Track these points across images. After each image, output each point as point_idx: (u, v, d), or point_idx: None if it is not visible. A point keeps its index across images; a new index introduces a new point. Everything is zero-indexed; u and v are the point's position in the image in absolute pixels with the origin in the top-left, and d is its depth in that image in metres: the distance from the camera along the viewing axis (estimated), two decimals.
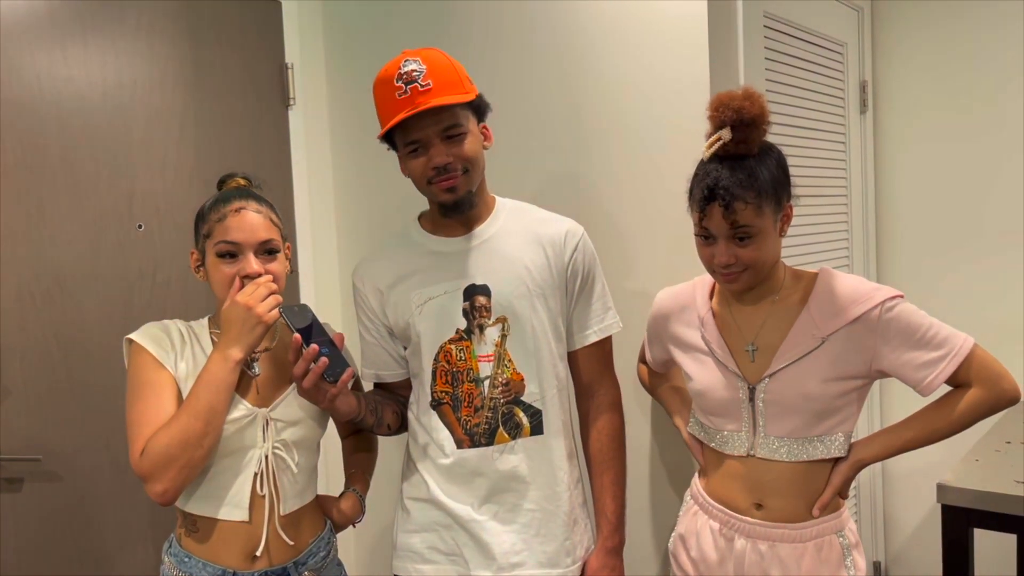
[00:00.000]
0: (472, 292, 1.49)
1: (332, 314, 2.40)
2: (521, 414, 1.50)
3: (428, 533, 1.53)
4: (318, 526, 1.52)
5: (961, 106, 2.45)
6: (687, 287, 1.57)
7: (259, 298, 1.37)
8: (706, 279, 1.55)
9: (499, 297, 1.49)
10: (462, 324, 1.49)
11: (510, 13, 2.01)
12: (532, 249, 1.52)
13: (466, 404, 1.50)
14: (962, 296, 2.43)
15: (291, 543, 1.43)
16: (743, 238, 1.37)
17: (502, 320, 1.49)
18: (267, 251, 1.44)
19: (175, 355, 1.42)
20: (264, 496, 1.41)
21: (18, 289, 1.84)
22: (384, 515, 2.30)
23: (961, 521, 1.69)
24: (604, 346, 1.60)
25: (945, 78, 2.47)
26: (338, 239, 2.45)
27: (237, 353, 1.36)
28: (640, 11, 1.80)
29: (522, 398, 1.50)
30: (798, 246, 2.13)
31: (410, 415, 1.58)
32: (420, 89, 1.40)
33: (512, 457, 1.49)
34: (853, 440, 1.46)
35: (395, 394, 1.63)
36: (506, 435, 1.49)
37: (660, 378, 1.73)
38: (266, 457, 1.41)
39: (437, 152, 1.43)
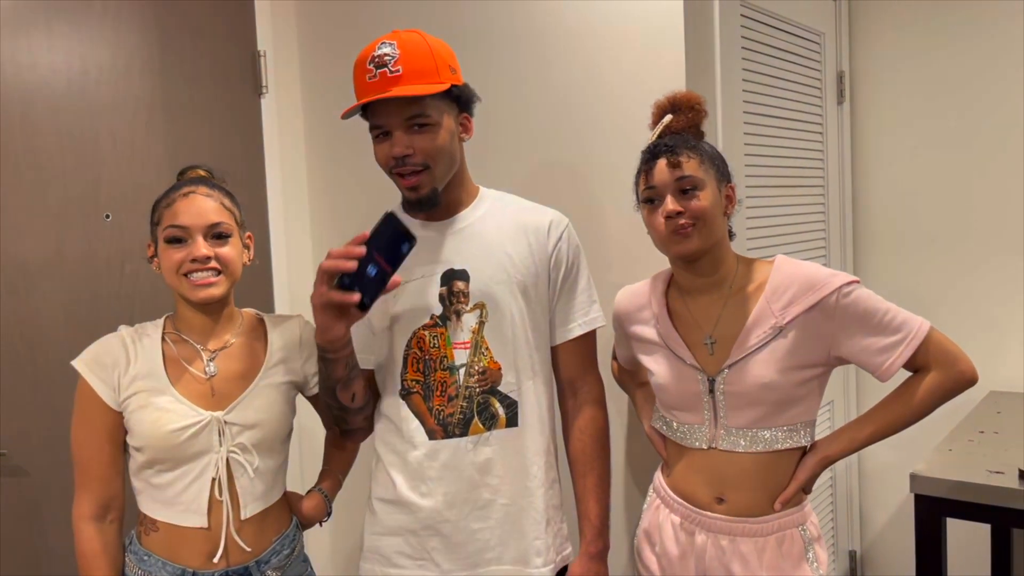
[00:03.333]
0: (450, 277, 1.45)
1: (307, 306, 2.36)
2: (497, 404, 1.46)
3: (395, 537, 1.49)
4: (283, 523, 1.49)
5: (939, 96, 2.45)
6: (644, 284, 1.56)
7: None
8: (662, 274, 1.54)
9: (478, 283, 1.44)
10: (437, 310, 1.45)
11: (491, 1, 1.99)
12: (514, 237, 1.47)
13: (439, 393, 1.45)
14: (939, 287, 2.43)
15: (248, 549, 1.41)
16: (688, 190, 1.38)
17: (480, 306, 1.45)
18: (217, 235, 1.39)
19: (118, 373, 1.38)
20: (223, 501, 1.38)
21: None
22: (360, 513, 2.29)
23: (934, 511, 1.70)
24: (588, 341, 1.54)
25: (923, 67, 2.47)
26: (312, 228, 2.42)
27: None
28: (617, 4, 1.78)
29: (499, 388, 1.45)
30: (776, 236, 2.13)
31: (379, 409, 1.53)
32: (389, 75, 1.36)
33: (486, 449, 1.45)
34: (817, 433, 1.46)
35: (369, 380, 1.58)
36: (481, 426, 1.45)
37: (629, 375, 1.71)
38: (224, 461, 1.38)
39: (398, 141, 1.38)
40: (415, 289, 1.45)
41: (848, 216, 2.56)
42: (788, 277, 1.41)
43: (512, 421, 1.46)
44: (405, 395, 1.47)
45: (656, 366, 1.49)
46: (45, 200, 1.89)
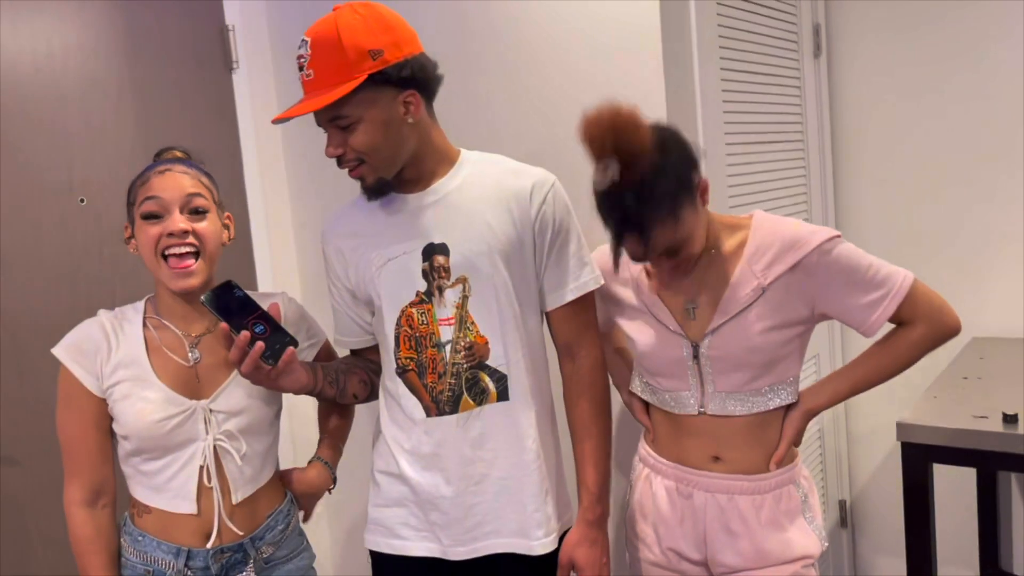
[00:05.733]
0: (431, 252, 1.41)
1: (290, 284, 2.35)
2: (487, 379, 1.43)
3: (399, 508, 1.48)
4: (276, 499, 1.49)
5: (916, 45, 2.44)
6: None
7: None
8: None
9: (458, 256, 1.40)
10: (422, 286, 1.42)
11: None
12: (495, 205, 1.42)
13: (431, 370, 1.43)
14: (920, 236, 2.45)
15: (240, 533, 1.40)
16: (674, 252, 1.35)
17: (462, 280, 1.41)
18: (193, 210, 1.37)
19: (100, 360, 1.36)
20: (212, 487, 1.38)
21: None
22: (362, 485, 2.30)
23: (921, 457, 1.72)
24: (583, 304, 1.48)
25: (898, 17, 2.45)
26: (291, 202, 2.39)
27: None
28: None
29: (487, 362, 1.42)
30: (756, 193, 2.12)
31: (380, 382, 1.53)
32: (305, 79, 1.33)
33: (478, 424, 1.42)
34: (801, 386, 1.46)
35: (367, 360, 1.57)
36: (471, 402, 1.42)
37: (604, 337, 1.63)
38: (211, 449, 1.37)
39: (329, 141, 1.36)
40: (398, 266, 1.42)
41: (828, 170, 2.55)
42: (768, 236, 1.39)
43: (503, 395, 1.43)
44: (401, 373, 1.46)
45: (637, 333, 1.47)
46: (18, 186, 1.86)
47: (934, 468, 1.76)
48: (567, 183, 1.49)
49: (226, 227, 1.45)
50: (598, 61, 1.79)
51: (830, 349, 2.53)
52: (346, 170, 1.40)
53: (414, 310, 1.43)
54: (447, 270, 1.41)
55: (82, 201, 1.95)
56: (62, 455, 1.39)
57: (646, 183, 1.26)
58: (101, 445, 1.39)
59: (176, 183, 1.36)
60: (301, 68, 1.33)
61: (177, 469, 1.37)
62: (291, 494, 1.53)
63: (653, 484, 1.51)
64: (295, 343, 1.31)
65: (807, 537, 1.44)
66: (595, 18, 1.78)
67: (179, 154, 1.46)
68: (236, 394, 1.40)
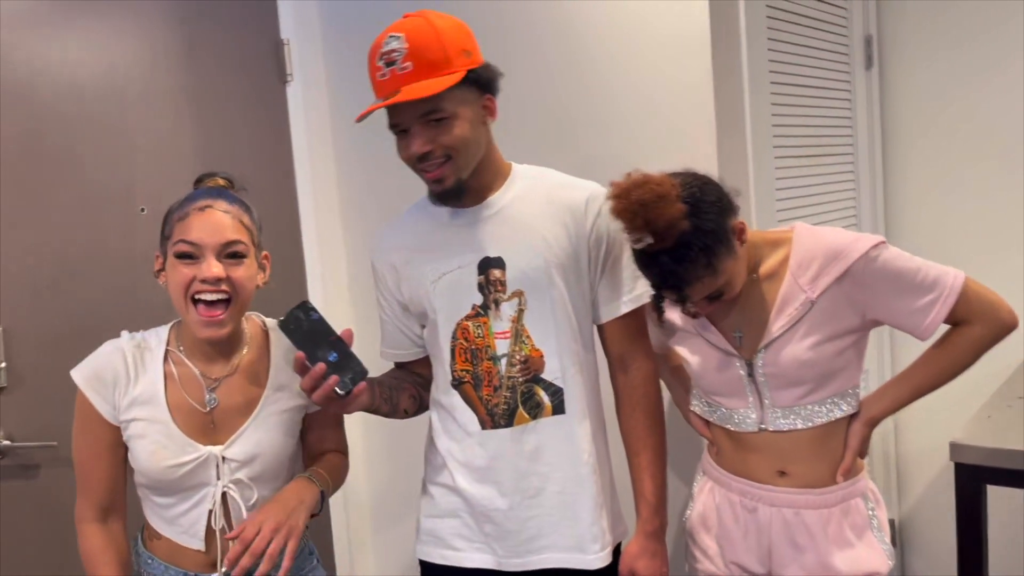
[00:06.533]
0: (487, 265, 1.42)
1: (339, 299, 2.38)
2: (541, 393, 1.43)
3: (453, 519, 1.48)
4: None
5: (970, 58, 2.40)
6: None
7: (276, 546, 1.27)
8: None
9: (514, 270, 1.41)
10: (478, 299, 1.42)
11: None
12: (550, 217, 1.42)
13: (486, 383, 1.43)
14: (973, 252, 2.40)
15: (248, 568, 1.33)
16: (715, 297, 1.34)
17: (518, 294, 1.41)
18: (231, 255, 1.31)
19: (118, 393, 1.34)
20: (220, 529, 1.35)
21: (23, 277, 1.84)
22: (398, 497, 2.32)
23: (974, 478, 1.69)
24: (636, 316, 1.48)
25: (952, 29, 2.42)
26: (342, 215, 2.43)
27: None
28: None
29: (542, 376, 1.42)
30: (805, 207, 2.11)
31: (431, 395, 1.54)
32: (398, 72, 1.31)
33: (533, 438, 1.42)
34: (861, 393, 1.44)
35: (414, 374, 1.57)
36: (526, 415, 1.42)
37: (660, 359, 1.65)
38: (219, 495, 1.35)
39: (415, 139, 1.34)
40: (453, 280, 1.43)
41: (879, 182, 2.52)
42: (811, 248, 1.37)
43: (559, 408, 1.43)
44: (457, 385, 1.46)
45: (691, 355, 1.47)
46: (82, 196, 1.93)
47: (987, 489, 1.72)
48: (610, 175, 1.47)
49: (262, 268, 1.40)
50: (647, 72, 1.80)
51: (879, 362, 2.49)
52: (425, 172, 1.38)
53: (469, 323, 1.43)
54: (503, 284, 1.42)
55: (142, 210, 2.01)
56: (75, 474, 1.38)
57: (680, 247, 1.26)
58: (114, 470, 1.37)
59: (216, 226, 1.30)
60: (392, 63, 1.31)
61: (187, 508, 1.35)
62: (306, 535, 1.46)
63: (716, 497, 1.51)
64: (366, 373, 1.27)
65: (875, 553, 1.42)
66: (644, 27, 1.79)
67: (221, 181, 1.42)
68: (251, 440, 1.37)
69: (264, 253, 1.41)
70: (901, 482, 2.61)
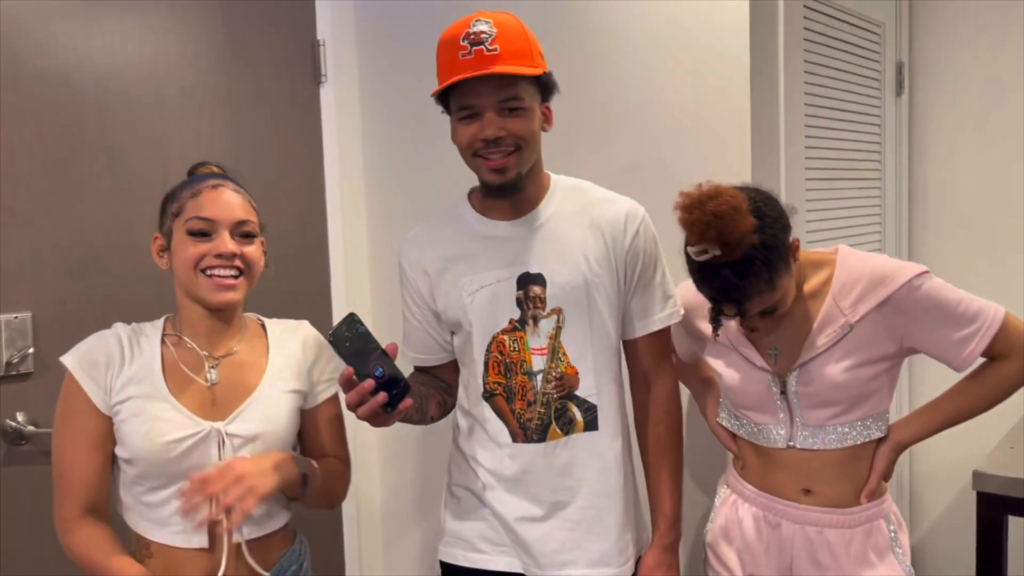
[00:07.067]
0: (526, 281, 1.41)
1: (361, 300, 2.39)
2: (575, 409, 1.43)
3: (479, 522, 1.48)
4: (288, 539, 1.41)
5: (1000, 89, 2.41)
6: None
7: (233, 495, 1.19)
8: None
9: (555, 287, 1.40)
10: (515, 314, 1.42)
11: None
12: (590, 234, 1.42)
13: (519, 397, 1.42)
14: (997, 283, 2.39)
15: (257, 568, 1.30)
16: (767, 312, 1.35)
17: (557, 312, 1.41)
18: (243, 234, 1.32)
19: (111, 374, 1.28)
20: (221, 520, 1.24)
21: (53, 264, 1.85)
22: (410, 504, 2.32)
23: (996, 508, 1.69)
24: (664, 335, 1.50)
25: (983, 59, 2.43)
26: (368, 218, 2.43)
27: None
28: None
29: (576, 393, 1.42)
30: (831, 229, 2.12)
31: (459, 403, 1.54)
32: (486, 53, 1.30)
33: (565, 453, 1.43)
34: (890, 419, 1.45)
35: (438, 379, 1.57)
36: (559, 431, 1.43)
37: (690, 369, 1.68)
38: None
39: (490, 123, 1.32)
40: (492, 293, 1.42)
41: (904, 208, 2.53)
42: (855, 272, 1.38)
43: (591, 425, 1.44)
44: (488, 397, 1.45)
45: (724, 368, 1.48)
46: (118, 185, 1.94)
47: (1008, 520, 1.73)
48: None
49: (264, 253, 1.39)
50: (686, 91, 1.80)
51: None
52: (486, 160, 1.36)
53: (506, 337, 1.43)
54: (543, 300, 1.41)
55: None
56: (53, 473, 1.30)
57: (745, 261, 1.26)
58: (101, 468, 1.30)
59: (229, 203, 1.31)
60: (479, 43, 1.30)
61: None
62: (300, 535, 1.45)
63: (740, 510, 1.51)
64: (410, 388, 1.25)
65: (896, 574, 1.42)
66: (684, 49, 1.79)
67: (215, 169, 1.41)
68: (253, 418, 1.32)
69: (262, 238, 1.40)
70: (914, 506, 2.61)
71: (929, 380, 2.32)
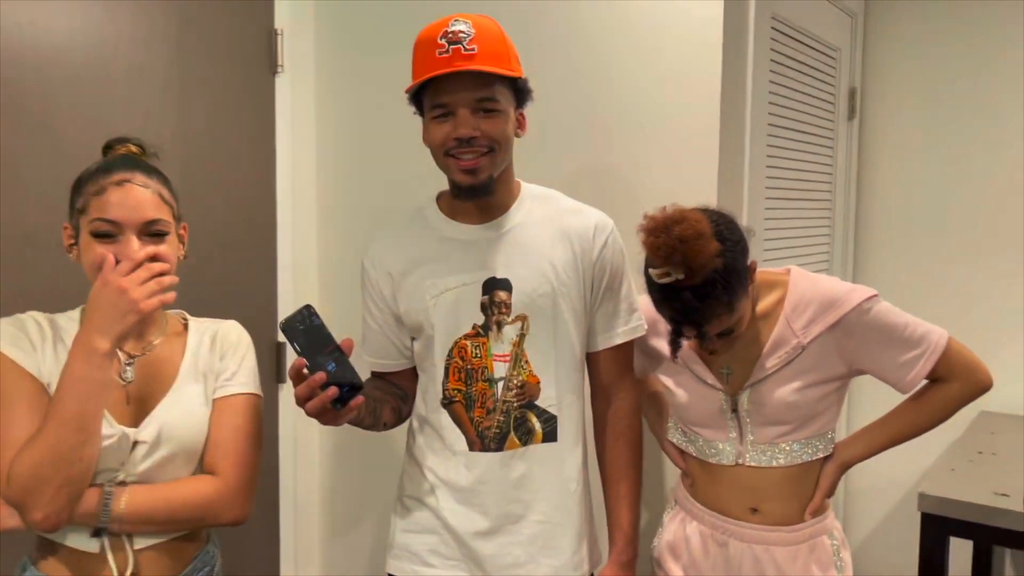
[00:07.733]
0: (492, 286, 1.39)
1: (308, 295, 2.32)
2: (534, 419, 1.41)
3: (430, 535, 1.45)
4: (199, 543, 1.34)
5: (947, 116, 2.49)
6: None
7: (137, 281, 1.13)
8: None
9: (521, 294, 1.38)
10: (479, 319, 1.39)
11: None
12: (558, 243, 1.41)
13: (479, 404, 1.40)
14: (934, 305, 2.47)
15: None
16: (727, 333, 1.36)
17: (522, 319, 1.39)
18: (152, 233, 1.22)
19: (37, 355, 1.22)
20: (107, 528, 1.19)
21: None
22: (350, 504, 2.27)
23: (940, 529, 1.74)
24: (627, 348, 1.50)
25: (932, 87, 2.51)
26: (318, 213, 2.37)
27: (103, 344, 1.12)
28: (659, 10, 1.77)
29: (536, 402, 1.41)
30: (782, 248, 2.15)
31: (416, 411, 1.50)
32: (463, 52, 1.29)
33: (521, 465, 1.40)
34: (836, 439, 1.48)
35: (395, 386, 1.52)
36: (517, 441, 1.40)
37: (640, 384, 1.66)
38: (120, 484, 1.20)
39: (463, 122, 1.30)
40: (456, 297, 1.40)
41: (851, 229, 2.59)
42: (807, 294, 1.41)
43: (550, 436, 1.42)
44: (447, 404, 1.42)
45: (676, 386, 1.49)
46: (58, 168, 1.82)
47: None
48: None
49: (181, 241, 1.31)
50: (655, 107, 1.80)
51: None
52: (458, 160, 1.33)
53: (468, 342, 1.40)
54: (508, 306, 1.39)
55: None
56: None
57: (707, 285, 1.26)
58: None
59: (136, 202, 1.21)
60: (456, 42, 1.29)
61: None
62: (210, 534, 1.38)
63: (687, 528, 1.52)
64: (363, 386, 1.21)
65: None
66: (656, 67, 1.79)
67: (133, 148, 1.32)
68: (164, 421, 1.24)
69: (183, 224, 1.32)
70: (849, 525, 2.67)
71: (867, 399, 2.38)
